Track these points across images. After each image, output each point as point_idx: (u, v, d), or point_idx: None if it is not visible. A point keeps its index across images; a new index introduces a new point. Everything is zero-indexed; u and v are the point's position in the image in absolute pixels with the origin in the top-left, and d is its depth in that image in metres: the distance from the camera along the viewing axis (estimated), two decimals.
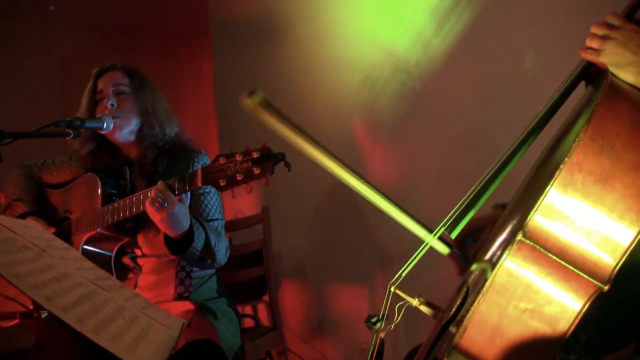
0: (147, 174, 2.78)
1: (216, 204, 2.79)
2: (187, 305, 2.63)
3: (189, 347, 2.35)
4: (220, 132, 5.56)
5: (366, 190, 1.70)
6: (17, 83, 5.60)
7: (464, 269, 1.83)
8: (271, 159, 2.04)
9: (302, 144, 1.64)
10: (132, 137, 2.75)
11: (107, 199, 2.64)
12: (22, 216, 2.74)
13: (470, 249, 1.94)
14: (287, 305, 4.64)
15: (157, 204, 2.26)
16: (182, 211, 2.32)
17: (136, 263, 2.73)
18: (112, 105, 2.70)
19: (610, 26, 1.54)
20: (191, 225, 2.41)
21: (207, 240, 2.52)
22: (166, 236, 2.42)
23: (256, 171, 2.04)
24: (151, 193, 2.29)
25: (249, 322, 4.73)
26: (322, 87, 4.35)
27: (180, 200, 2.31)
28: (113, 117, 2.65)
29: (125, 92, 2.76)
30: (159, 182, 2.29)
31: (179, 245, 2.44)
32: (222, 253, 2.63)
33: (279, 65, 4.78)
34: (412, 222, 1.69)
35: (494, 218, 1.92)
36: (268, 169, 2.04)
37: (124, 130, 2.70)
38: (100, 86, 2.77)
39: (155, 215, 2.30)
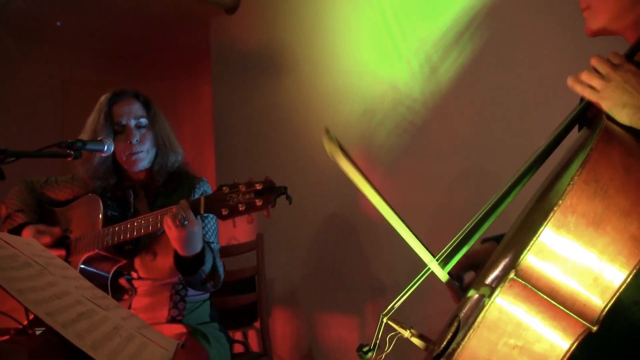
0: (150, 197, 2.81)
1: (213, 227, 2.83)
2: (180, 329, 2.65)
3: None
4: (217, 159, 5.58)
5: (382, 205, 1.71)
6: (18, 100, 5.62)
7: (460, 298, 1.85)
8: (273, 192, 2.09)
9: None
10: (147, 166, 2.82)
11: (108, 220, 2.67)
12: (21, 225, 2.77)
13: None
14: (278, 332, 4.64)
15: (177, 221, 2.29)
16: (199, 233, 2.36)
17: (132, 285, 2.75)
18: (137, 141, 2.75)
19: (612, 64, 1.56)
20: (203, 248, 2.44)
21: (214, 264, 2.56)
22: (177, 257, 2.44)
23: (258, 203, 2.09)
24: (173, 209, 2.32)
25: (238, 348, 4.72)
26: (321, 118, 4.37)
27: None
28: (135, 153, 2.73)
29: (145, 126, 2.81)
30: (182, 201, 2.34)
31: (189, 265, 2.47)
32: (221, 276, 2.67)
33: (278, 94, 4.81)
34: (418, 243, 1.71)
35: (489, 252, 1.94)
36: (270, 201, 2.09)
37: (145, 161, 2.78)
38: (118, 117, 2.78)
39: (172, 232, 2.33)
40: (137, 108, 2.83)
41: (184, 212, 2.30)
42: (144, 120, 2.81)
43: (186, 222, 2.29)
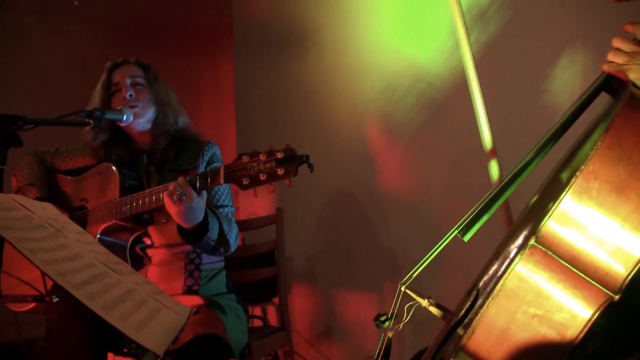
0: (158, 162, 2.81)
1: (226, 191, 2.82)
2: (197, 300, 2.64)
3: (197, 341, 2.36)
4: (239, 136, 5.58)
5: None
6: (39, 74, 5.65)
7: None
8: (295, 160, 2.03)
9: None
10: (148, 126, 2.81)
11: (125, 190, 2.66)
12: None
13: None
14: (296, 308, 4.64)
15: (175, 197, 2.28)
16: (199, 205, 2.33)
17: (145, 254, 2.74)
18: (130, 95, 2.76)
19: (637, 41, 1.53)
20: (206, 216, 2.42)
21: (221, 230, 2.55)
22: (180, 227, 2.44)
23: (280, 172, 2.03)
24: (170, 186, 2.31)
25: (257, 323, 4.73)
26: (342, 94, 4.35)
27: (199, 195, 2.32)
28: (132, 107, 2.71)
29: (141, 84, 2.82)
30: (180, 177, 2.31)
31: (193, 235, 2.47)
32: (233, 240, 2.66)
33: (300, 70, 4.78)
34: None
35: None
36: (292, 170, 2.03)
37: (142, 118, 2.76)
38: (115, 79, 2.82)
39: (172, 208, 2.31)
40: (133, 70, 2.86)
41: (180, 187, 2.28)
42: (140, 80, 2.83)
43: (184, 197, 2.28)
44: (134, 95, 2.76)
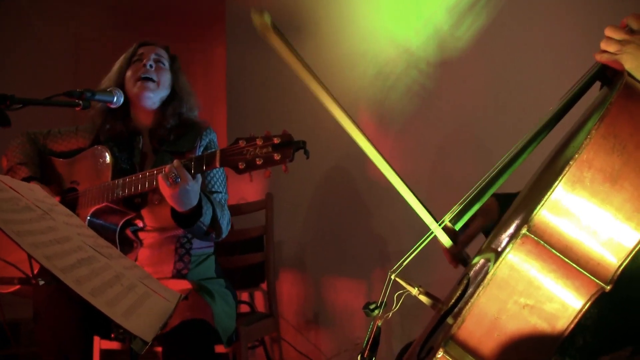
0: (157, 141, 2.82)
1: (221, 178, 2.83)
2: (185, 285, 2.64)
3: (184, 326, 2.36)
4: (229, 122, 5.55)
5: (375, 157, 1.68)
6: (32, 56, 5.61)
7: (455, 259, 1.82)
8: (292, 145, 2.06)
9: (307, 80, 1.63)
10: (156, 106, 2.83)
11: (117, 172, 2.65)
12: (26, 180, 2.73)
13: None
14: (284, 295, 4.63)
15: (170, 179, 2.27)
16: (193, 189, 2.34)
17: (137, 237, 2.73)
18: (150, 66, 2.79)
19: (630, 30, 1.53)
20: (200, 201, 2.42)
21: (214, 215, 2.55)
22: (174, 210, 2.43)
23: (276, 157, 2.05)
24: (165, 169, 2.30)
25: (244, 309, 4.72)
26: (334, 80, 4.32)
27: (194, 178, 2.32)
28: (146, 79, 2.75)
29: (164, 64, 2.87)
30: (175, 160, 2.31)
31: (186, 219, 2.47)
32: (225, 226, 2.68)
33: None
34: (421, 207, 1.67)
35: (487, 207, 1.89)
36: (288, 155, 2.06)
37: (153, 93, 2.78)
38: (140, 51, 2.85)
39: (166, 190, 2.32)
40: (161, 52, 2.91)
41: (176, 170, 2.27)
42: (164, 61, 2.88)
43: (179, 180, 2.27)
44: (153, 66, 2.80)
